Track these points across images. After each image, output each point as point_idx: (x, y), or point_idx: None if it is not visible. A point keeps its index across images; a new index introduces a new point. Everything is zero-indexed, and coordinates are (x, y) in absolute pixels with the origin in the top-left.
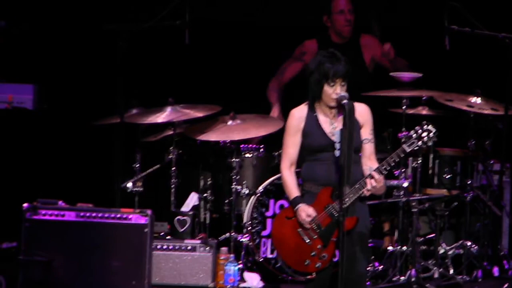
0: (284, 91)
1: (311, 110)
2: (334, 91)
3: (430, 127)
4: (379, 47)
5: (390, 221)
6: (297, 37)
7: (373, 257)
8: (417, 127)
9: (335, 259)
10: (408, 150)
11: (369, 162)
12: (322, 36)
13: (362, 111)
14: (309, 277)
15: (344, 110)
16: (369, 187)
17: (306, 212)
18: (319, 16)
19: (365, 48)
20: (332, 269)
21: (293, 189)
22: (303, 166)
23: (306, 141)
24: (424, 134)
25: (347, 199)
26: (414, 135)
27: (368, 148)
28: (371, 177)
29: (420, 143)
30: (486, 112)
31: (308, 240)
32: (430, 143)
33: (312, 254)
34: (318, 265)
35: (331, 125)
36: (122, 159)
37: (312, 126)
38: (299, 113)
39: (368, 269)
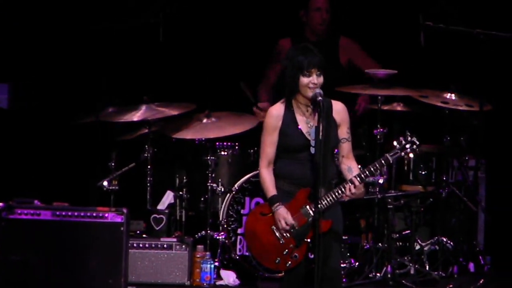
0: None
1: (289, 108)
2: (311, 81)
3: (414, 139)
4: (359, 52)
5: (365, 218)
6: (271, 33)
7: (348, 254)
8: (401, 138)
9: (311, 256)
10: (391, 160)
11: (347, 161)
12: (296, 34)
13: (339, 110)
14: (278, 275)
15: (318, 107)
16: (348, 193)
17: (285, 219)
18: (295, 12)
19: (342, 49)
20: (306, 266)
21: (271, 187)
22: (277, 163)
23: (283, 140)
24: (408, 145)
25: (324, 202)
26: (398, 146)
27: (346, 147)
28: (352, 182)
29: (403, 153)
30: (461, 108)
31: (281, 239)
32: (412, 155)
33: (284, 252)
34: (288, 264)
35: (307, 124)
36: (98, 157)
37: (289, 126)
38: (276, 112)
39: (344, 265)
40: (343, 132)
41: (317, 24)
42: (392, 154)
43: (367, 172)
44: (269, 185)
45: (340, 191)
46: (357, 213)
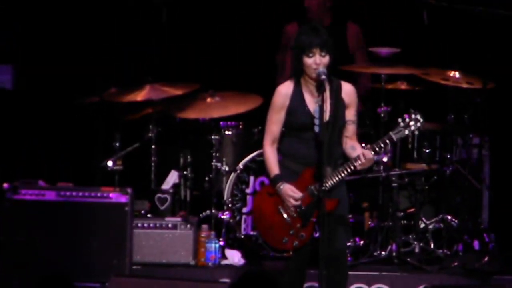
0: None
1: (297, 87)
2: (314, 61)
3: (418, 116)
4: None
5: (370, 196)
6: (275, 14)
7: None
8: (405, 115)
9: (316, 235)
10: (395, 138)
11: (350, 141)
12: (302, 18)
13: (349, 91)
14: (285, 254)
15: (322, 86)
16: (359, 162)
17: (292, 196)
18: None
19: (350, 37)
20: (312, 246)
21: (274, 166)
22: (283, 141)
23: (290, 119)
24: (412, 123)
25: (330, 182)
26: (402, 123)
27: (351, 129)
28: (363, 155)
29: (407, 131)
30: (462, 86)
31: (288, 218)
32: (416, 132)
33: (291, 232)
34: (295, 243)
35: (316, 104)
36: (102, 138)
37: (297, 104)
38: (285, 90)
39: (349, 244)
40: (350, 113)
41: (308, 9)
42: (396, 132)
43: (351, 166)
44: (272, 164)
45: (346, 170)
46: (361, 192)
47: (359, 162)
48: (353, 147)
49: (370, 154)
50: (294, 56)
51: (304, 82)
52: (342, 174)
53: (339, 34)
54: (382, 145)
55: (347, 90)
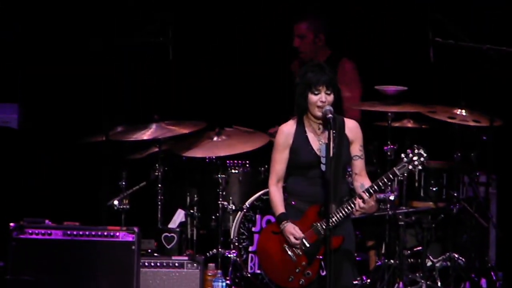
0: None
1: (300, 126)
2: (319, 99)
3: (421, 151)
4: (347, 73)
5: (376, 235)
6: (280, 53)
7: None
8: (408, 150)
9: (323, 274)
10: (399, 173)
11: (360, 178)
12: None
13: (352, 127)
14: None
15: (329, 124)
16: (357, 207)
17: (293, 235)
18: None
19: (340, 71)
20: (318, 284)
21: (279, 205)
22: (288, 180)
23: (294, 158)
24: (415, 157)
25: (334, 218)
26: (405, 159)
27: (359, 165)
28: (360, 197)
29: (410, 166)
30: (468, 123)
31: (294, 257)
32: (420, 167)
33: (297, 270)
34: (301, 281)
35: (318, 142)
36: (108, 177)
37: (300, 143)
38: (288, 129)
39: (355, 282)
40: (356, 149)
41: (300, 48)
42: (399, 167)
43: (375, 187)
44: (278, 203)
45: (349, 207)
46: (368, 230)
47: (357, 207)
48: (363, 186)
49: (368, 200)
50: (299, 93)
51: (307, 120)
52: (346, 211)
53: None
54: (386, 181)
55: (350, 126)
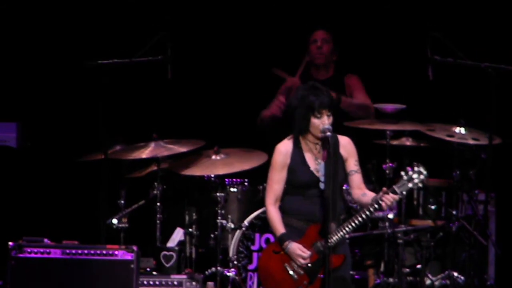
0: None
1: (297, 145)
2: (322, 122)
3: (421, 169)
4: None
5: (375, 253)
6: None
7: None
8: (408, 168)
9: None
10: (398, 191)
11: (360, 191)
12: (303, 73)
13: (345, 144)
14: None
15: (327, 143)
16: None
17: (301, 256)
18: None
19: (348, 87)
20: None
21: (279, 225)
22: (285, 199)
23: (292, 178)
24: (415, 175)
25: (335, 237)
26: (405, 177)
27: (356, 179)
28: (393, 191)
29: (410, 185)
30: (467, 142)
31: (295, 276)
32: (420, 185)
33: None
34: None
35: (316, 161)
36: (107, 195)
37: (298, 163)
38: (285, 149)
39: None
40: (351, 164)
41: (314, 53)
42: (399, 185)
43: (375, 205)
44: (277, 223)
45: (351, 225)
46: (366, 248)
47: (387, 202)
48: (365, 194)
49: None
50: (301, 116)
51: (304, 140)
52: (347, 230)
53: (338, 86)
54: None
55: (344, 143)
